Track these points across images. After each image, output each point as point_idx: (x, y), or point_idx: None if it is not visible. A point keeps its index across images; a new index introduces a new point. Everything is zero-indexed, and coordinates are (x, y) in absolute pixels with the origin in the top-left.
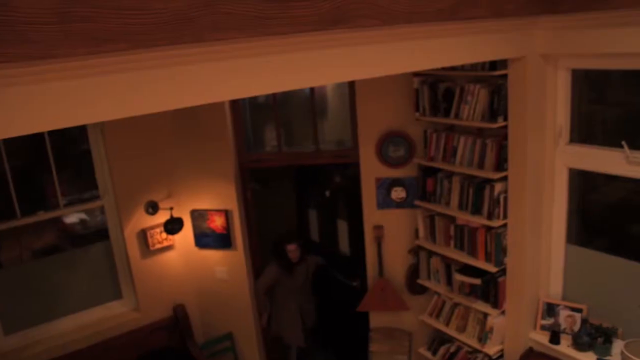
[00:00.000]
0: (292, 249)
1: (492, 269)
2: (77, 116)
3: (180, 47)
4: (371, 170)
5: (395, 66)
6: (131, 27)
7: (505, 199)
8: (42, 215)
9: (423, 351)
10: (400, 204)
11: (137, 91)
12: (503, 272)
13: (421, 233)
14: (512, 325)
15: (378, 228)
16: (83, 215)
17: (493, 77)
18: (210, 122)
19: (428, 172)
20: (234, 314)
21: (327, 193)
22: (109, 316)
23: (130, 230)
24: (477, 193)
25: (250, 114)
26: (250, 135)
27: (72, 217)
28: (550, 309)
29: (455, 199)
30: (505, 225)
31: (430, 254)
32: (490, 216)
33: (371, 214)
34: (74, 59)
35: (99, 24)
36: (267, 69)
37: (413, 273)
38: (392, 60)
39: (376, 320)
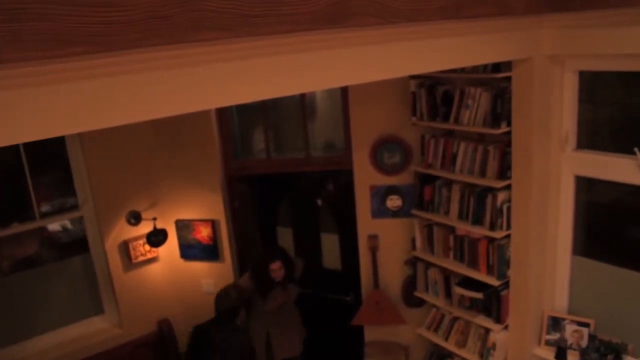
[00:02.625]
0: (276, 268)
1: (494, 282)
2: (25, 132)
3: (154, 49)
4: (365, 177)
5: (396, 69)
6: (94, 27)
7: (509, 208)
8: (17, 228)
9: None
10: (396, 213)
11: (102, 101)
12: (506, 285)
13: (418, 243)
14: (515, 340)
15: (373, 238)
16: (66, 222)
17: (496, 80)
18: (196, 127)
19: (425, 179)
20: None
21: (320, 202)
22: (89, 333)
23: (112, 242)
24: (479, 202)
25: (238, 119)
26: (238, 141)
27: (55, 225)
28: (556, 324)
29: (454, 209)
30: (508, 236)
31: (428, 265)
32: (492, 227)
33: (365, 223)
34: (24, 65)
35: (55, 23)
36: (256, 74)
37: (410, 285)
38: (393, 62)
39: (371, 333)
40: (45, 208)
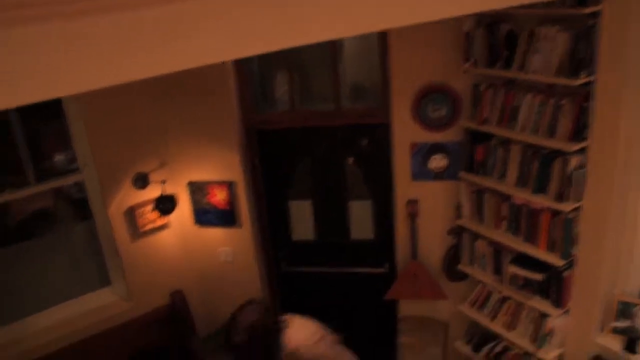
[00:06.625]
0: None
1: (557, 261)
2: None
3: None
4: (405, 133)
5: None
6: None
7: (583, 176)
8: (9, 196)
9: (460, 345)
10: (439, 175)
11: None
12: (569, 264)
13: (465, 211)
14: (576, 326)
15: (412, 203)
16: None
17: (579, 17)
18: (209, 75)
19: (478, 137)
20: (240, 300)
21: (350, 160)
22: (96, 307)
23: (116, 209)
24: (544, 167)
25: (258, 65)
26: (258, 91)
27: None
28: (626, 309)
29: (513, 173)
30: (577, 209)
31: (476, 236)
32: (559, 197)
33: (404, 186)
34: None
35: None
36: (269, 18)
37: (453, 257)
38: None
39: (406, 308)
40: (51, 163)
